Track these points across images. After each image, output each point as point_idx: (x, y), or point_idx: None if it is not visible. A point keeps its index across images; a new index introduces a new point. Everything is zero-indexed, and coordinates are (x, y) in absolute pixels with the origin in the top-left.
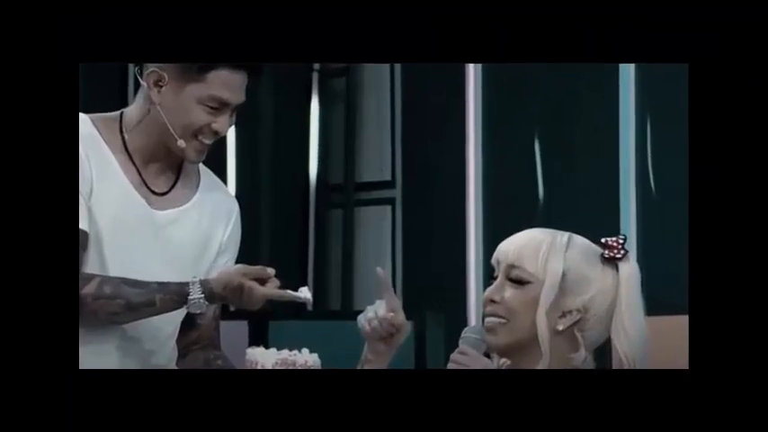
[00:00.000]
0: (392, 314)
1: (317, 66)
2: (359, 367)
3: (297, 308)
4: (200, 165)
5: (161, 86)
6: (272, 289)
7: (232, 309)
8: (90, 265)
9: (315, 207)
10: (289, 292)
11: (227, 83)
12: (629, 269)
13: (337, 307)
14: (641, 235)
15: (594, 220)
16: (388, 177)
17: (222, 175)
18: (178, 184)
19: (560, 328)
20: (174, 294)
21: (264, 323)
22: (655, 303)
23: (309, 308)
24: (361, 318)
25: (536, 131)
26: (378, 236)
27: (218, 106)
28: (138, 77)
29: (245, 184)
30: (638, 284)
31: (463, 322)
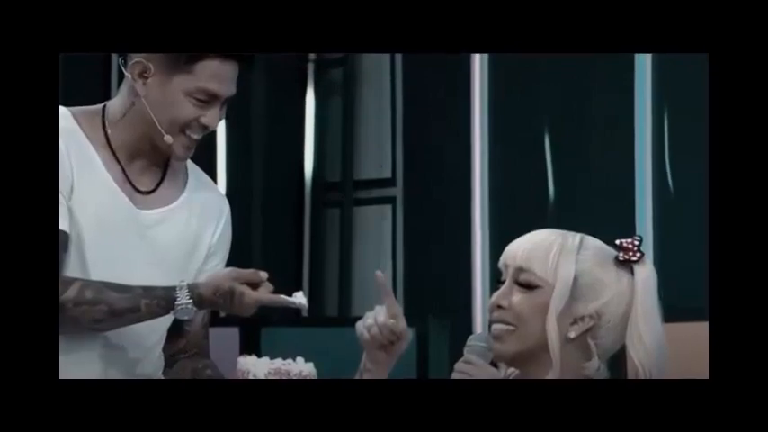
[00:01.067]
0: (393, 321)
1: (312, 56)
2: (357, 377)
3: (291, 314)
4: (188, 162)
5: (146, 78)
6: (265, 294)
7: (222, 315)
8: (70, 269)
9: (310, 207)
10: (282, 297)
11: (217, 74)
12: (645, 272)
13: (334, 313)
14: (658, 236)
15: (608, 221)
16: (388, 175)
17: (211, 173)
18: (164, 183)
19: (572, 335)
20: (161, 299)
21: (257, 330)
22: (672, 309)
23: (304, 314)
24: (359, 324)
25: (546, 125)
26: (377, 237)
27: (207, 99)
28: (122, 68)
29: (236, 182)
30: (654, 289)
31: (468, 329)
